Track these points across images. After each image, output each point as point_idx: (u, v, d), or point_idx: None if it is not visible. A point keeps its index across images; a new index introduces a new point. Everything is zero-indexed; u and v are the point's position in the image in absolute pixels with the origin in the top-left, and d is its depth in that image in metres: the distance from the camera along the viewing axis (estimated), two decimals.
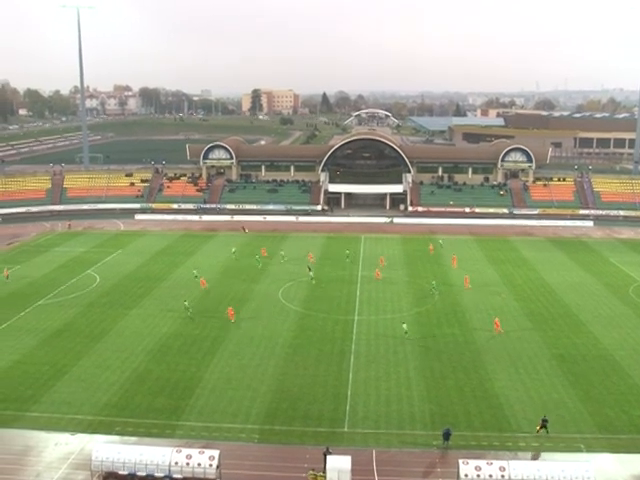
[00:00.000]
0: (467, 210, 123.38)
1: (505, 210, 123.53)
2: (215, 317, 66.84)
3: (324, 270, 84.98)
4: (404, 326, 62.74)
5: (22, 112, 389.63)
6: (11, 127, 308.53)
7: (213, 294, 74.88)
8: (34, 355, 57.42)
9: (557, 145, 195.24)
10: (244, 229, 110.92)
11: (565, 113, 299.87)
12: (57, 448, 42.65)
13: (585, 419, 46.20)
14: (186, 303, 69.24)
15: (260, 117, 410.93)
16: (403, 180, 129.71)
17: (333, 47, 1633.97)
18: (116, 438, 43.33)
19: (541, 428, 44.05)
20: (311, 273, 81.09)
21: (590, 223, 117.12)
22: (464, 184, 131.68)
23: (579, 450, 42.44)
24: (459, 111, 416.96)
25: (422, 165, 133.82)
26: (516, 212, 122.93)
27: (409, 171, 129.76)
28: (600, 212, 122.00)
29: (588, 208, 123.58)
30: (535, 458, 41.68)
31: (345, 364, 55.33)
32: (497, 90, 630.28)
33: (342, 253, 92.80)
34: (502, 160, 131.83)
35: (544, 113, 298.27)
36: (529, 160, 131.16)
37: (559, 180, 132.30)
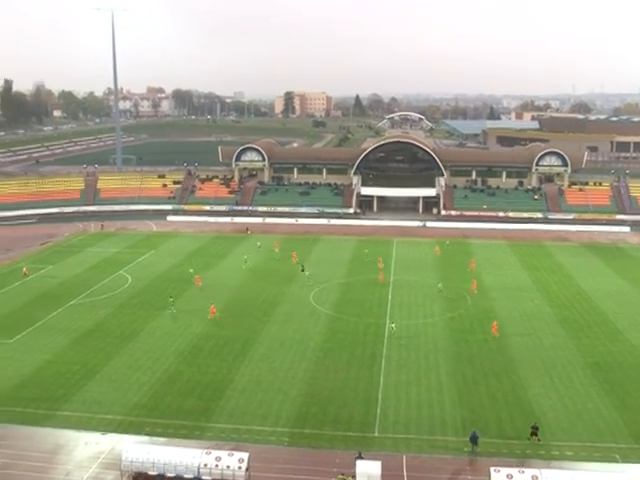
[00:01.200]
0: (501, 214, 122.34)
1: (539, 215, 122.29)
2: (246, 319, 67.01)
3: (355, 273, 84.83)
4: (392, 326, 63.34)
5: (56, 113, 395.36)
6: (46, 128, 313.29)
7: (244, 296, 75.10)
8: (66, 355, 58.07)
9: (593, 149, 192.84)
10: (247, 230, 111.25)
11: (602, 116, 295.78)
12: (87, 447, 43.00)
13: (621, 429, 45.41)
14: (171, 300, 70.56)
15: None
16: (436, 184, 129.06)
17: (368, 49, 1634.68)
18: (146, 439, 43.58)
19: (532, 435, 43.40)
20: (307, 273, 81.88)
21: (627, 229, 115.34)
22: (498, 188, 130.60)
23: (614, 460, 41.70)
24: (493, 114, 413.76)
25: (455, 169, 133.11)
26: (551, 217, 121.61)
27: (442, 174, 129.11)
28: (637, 217, 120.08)
29: (625, 213, 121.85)
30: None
31: (376, 368, 55.11)
32: (532, 93, 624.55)
33: (375, 256, 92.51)
34: (537, 164, 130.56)
35: (580, 116, 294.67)
36: (564, 164, 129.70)
37: (595, 184, 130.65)
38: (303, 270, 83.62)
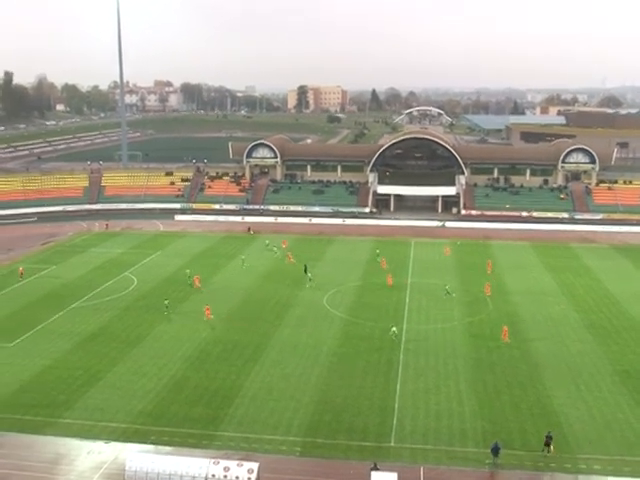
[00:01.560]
0: (524, 214, 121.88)
1: (565, 215, 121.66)
2: (257, 323, 67.02)
3: (371, 276, 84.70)
4: (394, 329, 63.15)
5: (59, 107, 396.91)
6: (48, 123, 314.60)
7: (255, 299, 75.16)
8: (67, 360, 58.23)
9: (623, 145, 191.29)
10: (250, 230, 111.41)
11: (633, 110, 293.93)
12: (90, 456, 43.04)
13: None
14: (166, 302, 70.70)
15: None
16: (456, 182, 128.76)
17: (384, 42, 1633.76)
18: (151, 447, 43.61)
19: (546, 446, 43.02)
20: (309, 275, 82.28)
21: None
22: (521, 186, 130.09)
23: None
24: (517, 109, 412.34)
25: (476, 166, 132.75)
26: (577, 217, 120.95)
27: (463, 172, 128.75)
28: None
29: None
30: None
31: (392, 375, 54.94)
32: (558, 86, 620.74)
33: (391, 258, 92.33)
34: (563, 161, 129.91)
35: (609, 111, 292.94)
36: (592, 161, 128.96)
37: (625, 183, 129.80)
38: (306, 271, 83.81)
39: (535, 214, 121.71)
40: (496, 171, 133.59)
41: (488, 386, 52.99)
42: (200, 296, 75.90)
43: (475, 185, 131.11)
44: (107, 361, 57.66)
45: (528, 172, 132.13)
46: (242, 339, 62.75)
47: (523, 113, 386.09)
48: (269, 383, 53.39)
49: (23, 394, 51.46)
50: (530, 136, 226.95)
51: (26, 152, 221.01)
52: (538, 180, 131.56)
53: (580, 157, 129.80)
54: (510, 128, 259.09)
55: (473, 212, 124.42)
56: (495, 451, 42.14)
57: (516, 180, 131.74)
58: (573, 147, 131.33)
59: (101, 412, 48.50)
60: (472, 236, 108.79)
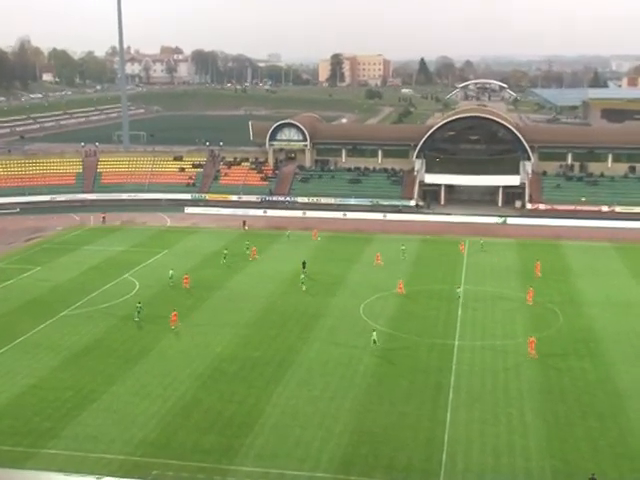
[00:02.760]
0: (605, 209, 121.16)
1: None
2: (281, 336, 67.22)
3: (417, 282, 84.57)
4: (374, 334, 64.02)
5: (47, 77, 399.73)
6: (33, 96, 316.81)
7: (278, 307, 75.43)
8: (55, 378, 58.60)
9: None
10: (244, 224, 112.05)
11: None
12: None
13: None
14: (139, 305, 71.59)
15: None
16: (520, 170, 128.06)
17: (434, 2, 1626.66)
18: None
19: None
20: (302, 275, 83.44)
21: None
22: (601, 175, 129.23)
23: None
24: (598, 80, 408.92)
25: (546, 151, 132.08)
26: None
27: (529, 158, 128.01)
28: None
29: None
30: None
31: (442, 401, 54.72)
32: None
33: (440, 260, 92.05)
34: None
35: None
36: None
37: None
38: (304, 268, 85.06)
39: (618, 209, 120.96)
40: (570, 157, 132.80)
41: (559, 417, 52.51)
42: (214, 303, 76.28)
43: (544, 174, 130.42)
44: (102, 380, 57.98)
45: (610, 158, 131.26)
46: (263, 355, 62.91)
47: (605, 85, 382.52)
48: (294, 408, 53.43)
49: (0, 420, 51.57)
50: (614, 114, 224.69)
51: (7, 130, 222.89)
52: (623, 167, 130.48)
53: None
54: (588, 104, 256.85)
55: (541, 206, 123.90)
56: None
57: (595, 168, 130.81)
58: None
59: (94, 441, 48.63)
60: (539, 235, 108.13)
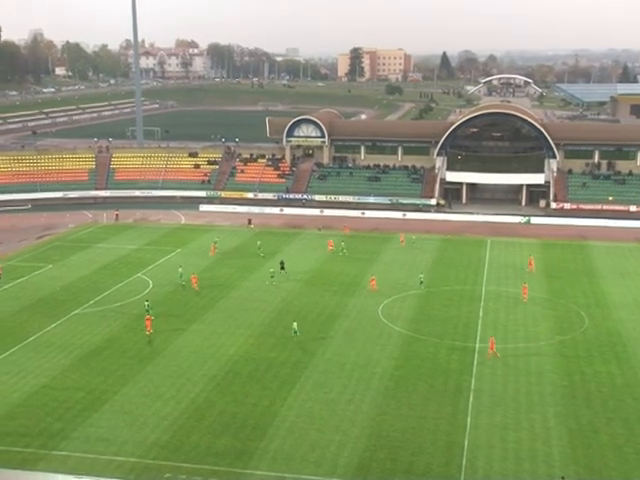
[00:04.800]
0: (633, 209, 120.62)
1: None
2: (296, 337, 67.23)
3: (437, 282, 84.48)
4: (294, 325, 65.53)
5: (60, 71, 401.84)
6: (45, 90, 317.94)
7: (295, 308, 75.44)
8: (66, 378, 58.91)
9: None
10: (250, 222, 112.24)
11: None
12: None
13: None
14: (147, 303, 72.14)
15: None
16: (545, 168, 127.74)
17: None
18: None
19: None
20: (272, 269, 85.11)
21: None
22: (630, 174, 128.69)
23: None
24: (627, 75, 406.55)
25: (572, 149, 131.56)
26: None
27: (554, 156, 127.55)
28: None
29: None
30: None
31: (462, 405, 54.66)
32: None
33: (462, 261, 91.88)
34: None
35: None
36: None
37: None
38: (283, 268, 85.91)
39: None
40: (597, 154, 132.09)
41: (583, 423, 52.30)
42: (230, 303, 76.43)
43: (569, 172, 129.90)
44: (114, 380, 58.26)
45: (639, 156, 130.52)
46: (278, 356, 62.99)
47: (635, 81, 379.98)
48: (310, 411, 53.48)
49: (10, 421, 51.90)
50: None
51: (19, 125, 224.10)
52: None
53: None
54: (617, 100, 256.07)
55: (566, 205, 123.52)
56: None
57: (623, 166, 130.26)
58: None
59: (105, 443, 48.86)
60: (565, 235, 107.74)
